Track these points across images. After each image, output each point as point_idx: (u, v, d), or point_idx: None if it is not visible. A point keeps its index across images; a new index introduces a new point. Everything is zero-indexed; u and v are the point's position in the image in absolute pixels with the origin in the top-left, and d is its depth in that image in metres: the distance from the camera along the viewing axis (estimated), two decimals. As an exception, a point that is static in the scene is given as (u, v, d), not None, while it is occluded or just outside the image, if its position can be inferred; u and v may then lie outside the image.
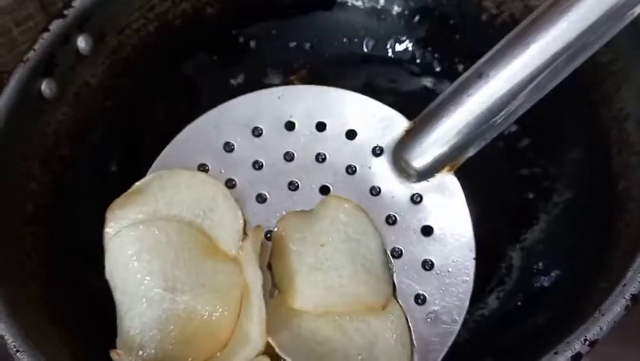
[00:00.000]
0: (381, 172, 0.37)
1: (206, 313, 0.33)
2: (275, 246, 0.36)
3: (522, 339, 0.35)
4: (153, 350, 0.31)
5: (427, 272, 0.35)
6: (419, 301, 0.35)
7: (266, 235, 0.36)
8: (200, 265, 0.34)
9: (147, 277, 0.33)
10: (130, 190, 0.36)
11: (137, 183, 0.36)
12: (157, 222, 0.35)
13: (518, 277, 0.39)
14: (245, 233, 0.36)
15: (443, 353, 0.33)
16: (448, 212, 0.36)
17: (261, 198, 0.38)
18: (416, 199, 0.37)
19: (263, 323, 0.31)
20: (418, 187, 0.37)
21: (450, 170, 0.36)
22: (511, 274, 0.39)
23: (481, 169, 0.37)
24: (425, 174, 0.36)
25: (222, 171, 0.38)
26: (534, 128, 0.41)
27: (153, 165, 0.38)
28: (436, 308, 0.34)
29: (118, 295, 0.34)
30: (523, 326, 0.36)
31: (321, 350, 0.32)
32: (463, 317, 0.34)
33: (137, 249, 0.34)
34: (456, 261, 0.35)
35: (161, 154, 0.39)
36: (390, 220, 0.37)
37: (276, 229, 0.36)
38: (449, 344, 0.33)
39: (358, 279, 0.34)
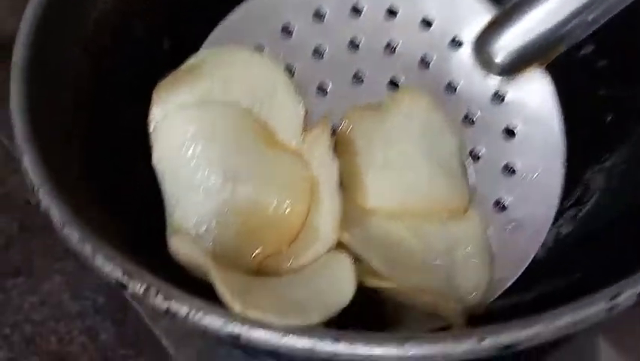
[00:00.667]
0: (460, 66, 0.33)
1: (272, 206, 0.29)
2: (339, 143, 0.32)
3: (605, 259, 0.32)
4: (211, 243, 0.28)
5: (509, 178, 0.32)
6: (499, 208, 0.31)
7: (334, 129, 0.33)
8: (261, 154, 0.30)
9: (203, 165, 0.29)
10: (181, 68, 0.32)
11: (190, 60, 0.32)
12: (212, 104, 0.31)
13: (598, 199, 0.35)
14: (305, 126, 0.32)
15: (523, 267, 0.30)
16: (535, 112, 0.32)
17: (321, 90, 0.34)
18: (498, 98, 0.33)
19: (336, 217, 0.28)
20: (501, 84, 0.33)
21: (539, 66, 0.32)
22: (589, 195, 0.36)
23: (559, 85, 0.33)
24: (510, 69, 0.32)
25: (280, 55, 0.34)
26: (613, 47, 0.37)
27: (202, 46, 0.34)
28: (517, 217, 0.31)
29: (168, 186, 0.30)
30: (604, 248, 0.33)
31: (395, 250, 0.29)
32: (547, 229, 0.31)
33: (191, 133, 0.30)
34: (542, 167, 0.31)
35: (211, 36, 0.34)
36: (469, 120, 0.33)
37: (341, 123, 0.33)
38: (530, 256, 0.30)
39: (436, 179, 0.31)
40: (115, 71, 0.34)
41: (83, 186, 0.28)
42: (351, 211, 0.30)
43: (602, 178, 0.35)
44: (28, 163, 0.26)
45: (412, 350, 0.20)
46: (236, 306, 0.22)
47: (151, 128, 0.31)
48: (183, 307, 0.22)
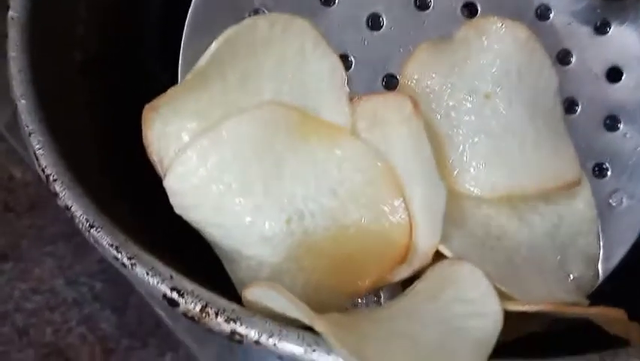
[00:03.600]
0: (554, -16, 0.25)
1: (360, 225, 0.22)
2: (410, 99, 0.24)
3: None
4: (298, 290, 0.21)
5: (611, 133, 0.26)
6: (599, 172, 0.26)
7: (386, 84, 0.25)
8: (314, 158, 0.22)
9: (247, 205, 0.22)
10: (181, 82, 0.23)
11: (193, 70, 0.22)
12: (226, 116, 0.22)
13: None
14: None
15: (632, 241, 0.26)
16: (647, 49, 0.26)
17: (373, 23, 0.25)
18: (602, 29, 0.26)
19: (436, 226, 0.22)
20: (605, 11, 0.25)
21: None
22: None
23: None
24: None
25: None
26: None
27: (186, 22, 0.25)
28: (620, 184, 0.26)
29: (216, 240, 0.23)
30: None
31: (500, 247, 0.23)
32: None
33: (213, 165, 0.21)
34: (653, 119, 0.26)
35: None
36: (564, 58, 0.26)
37: (404, 76, 0.24)
38: (637, 230, 0.26)
39: (545, 145, 0.24)
40: (124, 35, 0.27)
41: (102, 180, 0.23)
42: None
43: None
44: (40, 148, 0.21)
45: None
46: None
47: (155, 160, 0.22)
48: (252, 331, 0.18)
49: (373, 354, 0.18)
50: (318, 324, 0.18)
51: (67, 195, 0.21)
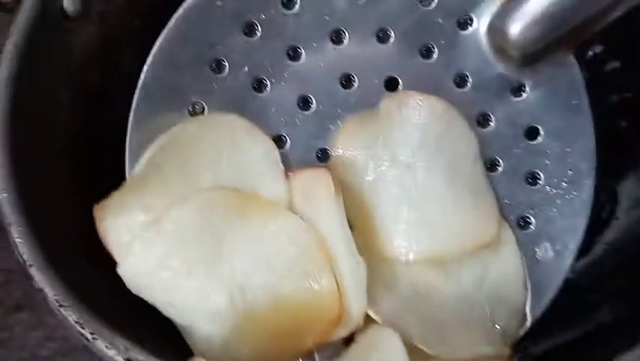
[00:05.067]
0: (470, 52, 0.27)
1: (297, 294, 0.24)
2: (337, 174, 0.26)
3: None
4: (248, 355, 0.24)
5: (532, 187, 0.28)
6: (523, 224, 0.28)
7: (320, 157, 0.27)
8: (252, 234, 0.25)
9: (193, 286, 0.24)
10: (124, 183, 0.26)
11: (133, 174, 0.26)
12: (170, 213, 0.25)
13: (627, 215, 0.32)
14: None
15: (555, 289, 0.28)
16: (561, 109, 0.27)
17: (304, 104, 0.27)
18: (518, 91, 0.27)
19: (361, 292, 0.24)
20: (521, 74, 0.27)
21: (567, 50, 0.27)
22: (617, 210, 0.32)
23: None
24: (531, 54, 0.26)
25: (244, 68, 0.26)
26: (623, 48, 0.31)
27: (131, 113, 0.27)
28: (544, 234, 0.28)
29: (170, 315, 0.25)
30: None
31: (427, 305, 0.25)
32: (577, 245, 0.28)
33: (159, 255, 0.24)
34: (570, 174, 0.27)
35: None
36: (484, 121, 0.28)
37: (334, 149, 0.27)
38: (561, 277, 0.28)
39: (465, 206, 0.26)
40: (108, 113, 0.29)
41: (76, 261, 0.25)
42: (369, 264, 0.25)
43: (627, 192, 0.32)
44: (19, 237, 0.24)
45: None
46: None
47: (110, 250, 0.25)
48: None
49: None
50: None
51: (41, 278, 0.24)
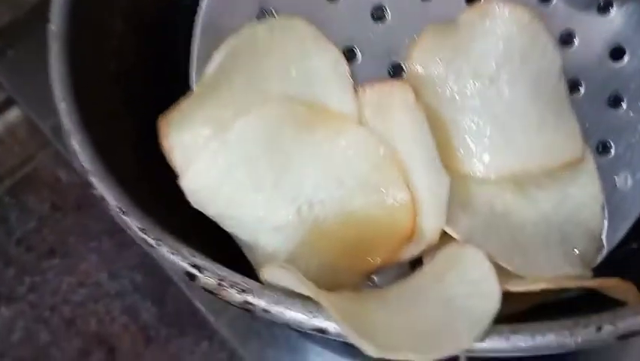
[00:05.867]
0: (556, -35, 0.26)
1: (366, 208, 0.23)
2: (413, 88, 0.25)
3: None
4: (313, 270, 0.23)
5: (614, 111, 0.26)
6: (602, 150, 0.27)
7: (392, 74, 0.26)
8: (320, 149, 0.23)
9: (260, 200, 0.23)
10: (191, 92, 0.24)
11: (201, 81, 0.24)
12: (235, 124, 0.23)
13: None
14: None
15: (636, 216, 0.26)
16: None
17: (377, 15, 0.26)
18: (604, 9, 0.26)
19: (441, 209, 0.23)
20: (608, -11, 0.26)
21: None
22: None
23: None
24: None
25: None
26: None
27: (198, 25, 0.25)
28: (624, 161, 0.26)
29: (234, 231, 0.24)
30: None
31: (505, 225, 0.24)
32: None
33: (224, 166, 0.23)
34: (656, 96, 0.26)
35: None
36: (567, 39, 0.26)
37: (409, 62, 0.25)
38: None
39: (548, 125, 0.25)
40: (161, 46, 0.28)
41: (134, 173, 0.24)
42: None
43: None
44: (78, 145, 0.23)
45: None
46: (370, 350, 0.18)
47: (173, 165, 0.24)
48: (261, 301, 0.20)
49: (370, 326, 0.19)
50: (321, 298, 0.19)
51: (101, 186, 0.23)
